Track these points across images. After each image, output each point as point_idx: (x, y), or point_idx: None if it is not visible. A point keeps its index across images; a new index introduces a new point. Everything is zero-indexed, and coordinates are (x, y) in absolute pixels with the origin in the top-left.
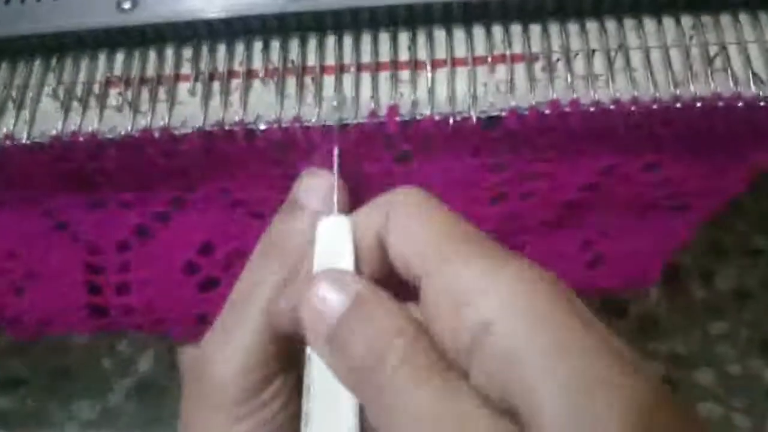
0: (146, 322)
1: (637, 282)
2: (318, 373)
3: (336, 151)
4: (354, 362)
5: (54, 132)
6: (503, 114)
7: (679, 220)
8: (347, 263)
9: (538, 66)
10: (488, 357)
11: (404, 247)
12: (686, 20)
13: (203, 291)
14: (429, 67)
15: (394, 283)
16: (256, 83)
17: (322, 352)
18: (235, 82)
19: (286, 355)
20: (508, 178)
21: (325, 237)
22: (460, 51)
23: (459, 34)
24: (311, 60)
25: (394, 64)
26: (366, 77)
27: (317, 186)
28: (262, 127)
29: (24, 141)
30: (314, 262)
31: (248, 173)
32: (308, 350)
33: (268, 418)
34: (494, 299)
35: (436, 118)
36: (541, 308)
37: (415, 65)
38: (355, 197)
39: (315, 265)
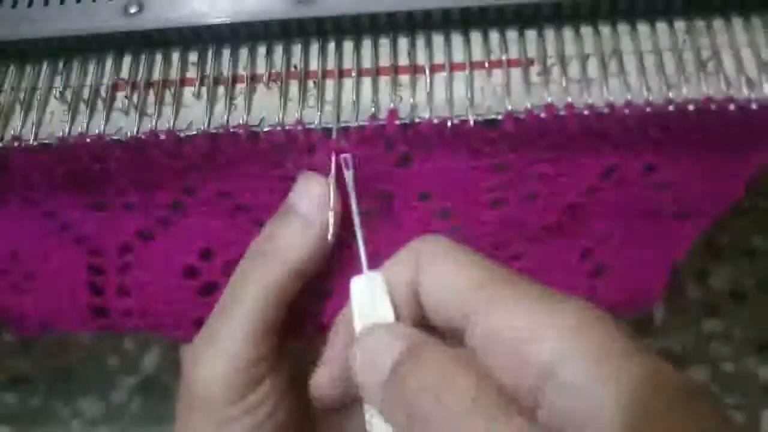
0: (145, 325)
1: (642, 295)
2: (377, 427)
3: (333, 155)
4: (415, 408)
5: (61, 134)
6: (500, 117)
7: (681, 229)
8: (388, 317)
9: (533, 70)
10: (555, 396)
11: (442, 295)
12: (679, 24)
13: (203, 296)
14: (428, 72)
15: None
16: (260, 87)
17: (378, 402)
18: (240, 86)
19: (274, 356)
20: (508, 181)
21: (360, 295)
22: (458, 56)
23: (457, 39)
24: (313, 64)
25: (394, 69)
26: (366, 81)
27: (312, 191)
28: (265, 129)
29: (31, 143)
30: (355, 321)
31: (250, 177)
32: (366, 408)
33: (256, 423)
34: (551, 342)
35: (435, 121)
36: (598, 342)
37: (414, 70)
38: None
39: (356, 325)
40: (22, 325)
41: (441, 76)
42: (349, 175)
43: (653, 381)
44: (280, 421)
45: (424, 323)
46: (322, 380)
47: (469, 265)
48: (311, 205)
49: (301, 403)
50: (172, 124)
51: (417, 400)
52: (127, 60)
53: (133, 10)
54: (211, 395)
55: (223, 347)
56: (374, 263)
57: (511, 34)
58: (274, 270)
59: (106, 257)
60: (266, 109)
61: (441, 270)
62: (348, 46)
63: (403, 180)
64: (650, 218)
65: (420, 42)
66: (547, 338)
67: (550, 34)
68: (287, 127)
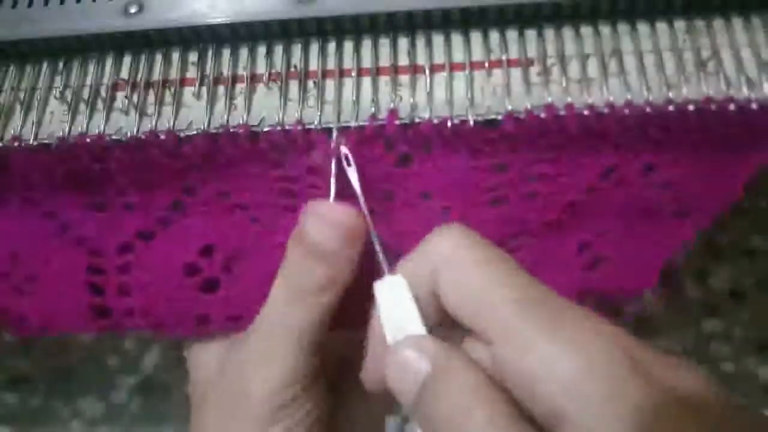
0: (147, 324)
1: (634, 285)
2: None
3: (334, 155)
4: (440, 423)
5: (61, 134)
6: (500, 117)
7: (679, 226)
8: (415, 323)
9: (533, 70)
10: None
11: (459, 301)
12: (679, 24)
13: (204, 292)
14: (428, 72)
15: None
16: (260, 87)
17: (412, 415)
18: (240, 86)
19: (316, 370)
20: (507, 180)
21: (385, 299)
22: (458, 56)
23: (457, 39)
24: (313, 64)
25: (394, 69)
26: (366, 81)
27: (332, 222)
28: (265, 129)
29: (31, 143)
30: (383, 326)
31: (249, 176)
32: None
33: (296, 422)
34: (558, 389)
35: (435, 121)
36: (607, 386)
37: (414, 70)
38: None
39: (385, 330)
40: (23, 326)
41: (441, 76)
42: (352, 172)
43: (661, 410)
44: (315, 417)
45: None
46: (371, 376)
47: (482, 272)
48: (334, 238)
49: (333, 402)
50: (172, 124)
51: (443, 415)
52: (127, 60)
53: (133, 10)
54: (263, 408)
55: (277, 368)
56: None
57: (511, 34)
58: (312, 304)
59: (106, 257)
60: (266, 109)
61: (454, 278)
62: (348, 46)
63: (403, 180)
64: (648, 215)
65: (420, 42)
66: (555, 384)
67: (550, 34)
68: (287, 127)
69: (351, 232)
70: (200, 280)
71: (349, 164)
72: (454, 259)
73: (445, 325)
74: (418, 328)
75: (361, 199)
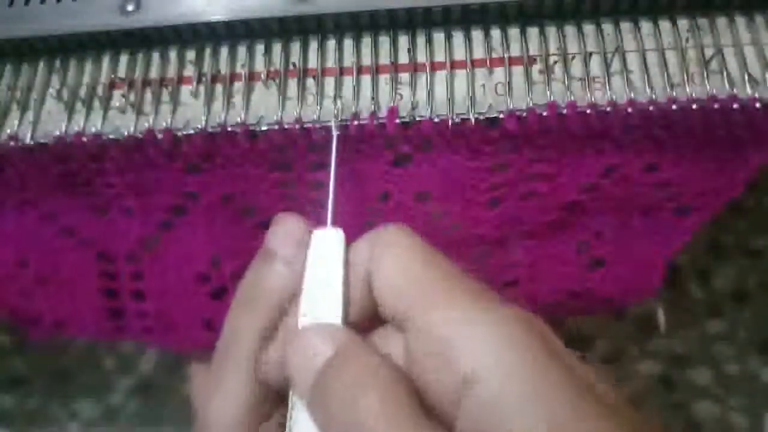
0: (158, 327)
1: (638, 288)
2: (301, 420)
3: (333, 154)
4: (331, 410)
5: (57, 133)
6: (501, 116)
7: (680, 224)
8: (336, 281)
9: (535, 68)
10: (473, 409)
11: (387, 287)
12: (682, 23)
13: (213, 299)
14: (428, 70)
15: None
16: (258, 85)
17: (306, 399)
18: (238, 84)
19: (278, 395)
20: (508, 180)
21: (317, 249)
22: (459, 54)
23: (458, 37)
24: (312, 62)
25: (394, 67)
26: (366, 79)
27: (288, 232)
28: (264, 128)
29: (28, 142)
30: (305, 273)
31: (250, 178)
32: (291, 398)
33: None
34: (474, 351)
35: (435, 119)
36: (520, 358)
37: (414, 67)
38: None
39: (303, 292)
40: (36, 328)
41: (442, 74)
42: (334, 132)
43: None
44: None
45: (370, 316)
46: (271, 361)
47: (418, 259)
48: (289, 245)
49: None
50: (169, 122)
51: (333, 407)
52: (124, 58)
53: (130, 8)
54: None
55: (230, 393)
56: None
57: (513, 32)
58: (262, 317)
59: (116, 262)
60: (265, 107)
61: (390, 262)
62: (347, 43)
63: (400, 180)
64: (648, 212)
65: (420, 39)
66: (471, 348)
67: (552, 31)
68: (286, 126)
69: (299, 237)
70: (210, 288)
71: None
72: (391, 249)
73: (362, 315)
74: (337, 284)
75: (333, 161)
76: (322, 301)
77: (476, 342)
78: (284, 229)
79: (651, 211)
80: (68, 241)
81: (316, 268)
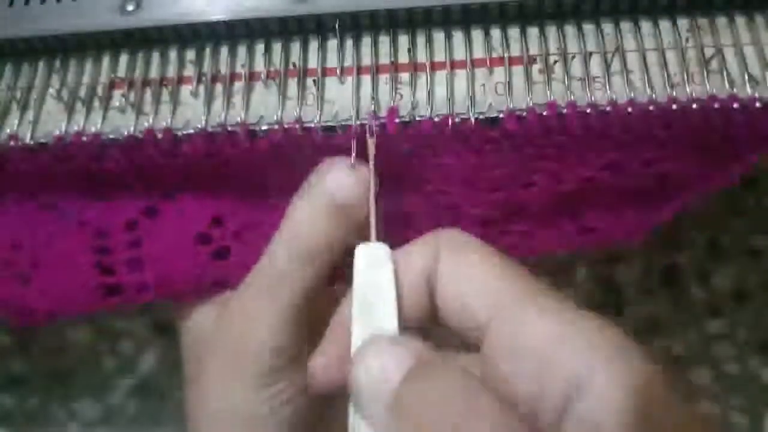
0: (161, 295)
1: (621, 241)
2: None
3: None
4: (424, 429)
5: (57, 133)
6: (501, 115)
7: (668, 204)
8: (389, 291)
9: (535, 68)
10: (583, 414)
11: (464, 287)
12: (682, 22)
13: (215, 259)
14: (428, 70)
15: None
16: (258, 85)
17: (380, 418)
18: (238, 84)
19: (304, 344)
20: (508, 179)
21: (363, 268)
22: (459, 53)
23: (458, 36)
24: (312, 62)
25: (394, 66)
26: (366, 79)
27: (335, 169)
28: (264, 128)
29: (28, 142)
30: (353, 296)
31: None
32: (351, 417)
33: (290, 385)
34: (582, 358)
35: (436, 119)
36: (628, 366)
37: (414, 67)
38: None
39: (354, 301)
40: (30, 317)
41: (442, 74)
42: (371, 142)
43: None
44: (295, 409)
45: (425, 323)
46: (318, 367)
47: (495, 259)
48: (335, 181)
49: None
50: (169, 122)
51: (428, 422)
52: (124, 58)
53: (130, 7)
54: (260, 368)
55: (280, 317)
56: None
57: (513, 32)
58: (309, 260)
59: (112, 236)
60: (265, 107)
61: (465, 260)
62: (348, 43)
63: (402, 178)
64: (638, 195)
65: (420, 39)
66: (578, 355)
67: (552, 31)
68: (286, 126)
69: (367, 187)
70: (211, 248)
71: (371, 135)
72: (461, 248)
73: (416, 323)
74: (390, 307)
75: (372, 169)
76: (375, 312)
77: (582, 349)
78: (347, 173)
79: (642, 194)
80: (63, 221)
81: (364, 278)
